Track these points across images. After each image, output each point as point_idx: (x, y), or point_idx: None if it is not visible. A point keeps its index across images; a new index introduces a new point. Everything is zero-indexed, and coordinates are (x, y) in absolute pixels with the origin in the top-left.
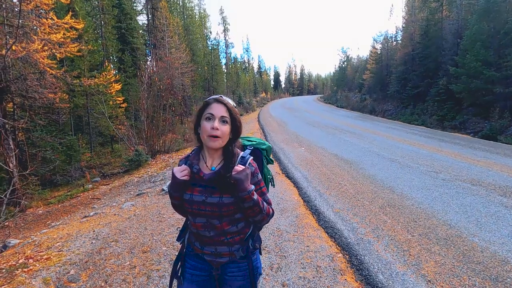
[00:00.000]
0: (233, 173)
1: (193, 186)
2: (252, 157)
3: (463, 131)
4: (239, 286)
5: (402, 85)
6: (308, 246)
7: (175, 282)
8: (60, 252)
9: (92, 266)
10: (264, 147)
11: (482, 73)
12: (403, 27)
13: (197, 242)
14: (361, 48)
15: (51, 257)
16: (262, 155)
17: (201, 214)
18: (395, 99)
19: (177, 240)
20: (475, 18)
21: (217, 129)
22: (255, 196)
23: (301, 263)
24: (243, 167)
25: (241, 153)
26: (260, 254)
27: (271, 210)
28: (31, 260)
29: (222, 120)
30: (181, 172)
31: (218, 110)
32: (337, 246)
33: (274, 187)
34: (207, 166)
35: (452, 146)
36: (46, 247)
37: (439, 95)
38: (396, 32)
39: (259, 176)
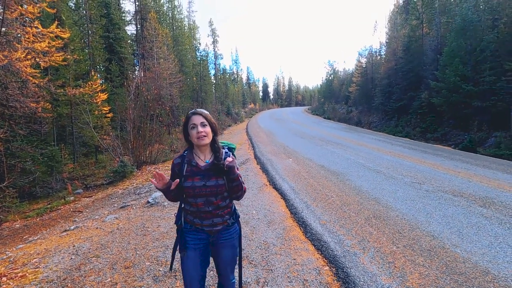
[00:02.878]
0: (226, 162)
1: (193, 176)
2: (231, 152)
3: (444, 143)
4: (231, 245)
5: (386, 97)
6: (295, 259)
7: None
8: (37, 269)
9: (70, 284)
10: (233, 146)
11: (461, 87)
12: (386, 42)
13: (196, 219)
14: (347, 62)
15: (27, 274)
16: (232, 152)
17: (202, 195)
18: (380, 111)
19: (175, 223)
20: (453, 36)
21: (202, 131)
22: (241, 178)
23: (288, 276)
24: (233, 158)
25: (224, 149)
26: None
27: (245, 187)
28: (4, 278)
29: (203, 125)
30: (158, 183)
31: (197, 119)
32: (324, 259)
33: None
34: (202, 160)
35: (435, 157)
36: (21, 263)
37: (422, 108)
38: (380, 47)
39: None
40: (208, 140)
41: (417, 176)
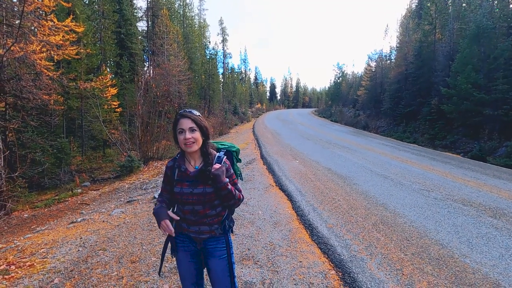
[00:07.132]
0: (212, 170)
1: (182, 181)
2: (225, 157)
3: (453, 151)
4: (219, 255)
5: (395, 103)
6: (301, 261)
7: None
8: (45, 259)
9: (77, 275)
10: (234, 149)
11: (472, 95)
12: (397, 47)
13: (183, 223)
14: (356, 65)
15: (35, 264)
16: (232, 156)
17: (189, 203)
18: (388, 116)
19: None
20: (466, 42)
21: (190, 137)
22: (229, 186)
23: (294, 279)
24: (220, 165)
25: (217, 154)
26: (232, 233)
27: (241, 196)
28: (13, 267)
29: (192, 130)
30: (169, 229)
31: (185, 124)
32: (330, 263)
33: (242, 180)
34: (191, 166)
35: (443, 165)
36: (29, 253)
37: (431, 114)
38: (390, 52)
39: (231, 171)
40: (196, 147)
41: (425, 183)
